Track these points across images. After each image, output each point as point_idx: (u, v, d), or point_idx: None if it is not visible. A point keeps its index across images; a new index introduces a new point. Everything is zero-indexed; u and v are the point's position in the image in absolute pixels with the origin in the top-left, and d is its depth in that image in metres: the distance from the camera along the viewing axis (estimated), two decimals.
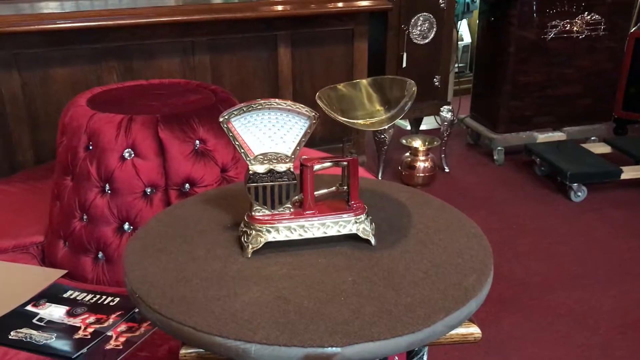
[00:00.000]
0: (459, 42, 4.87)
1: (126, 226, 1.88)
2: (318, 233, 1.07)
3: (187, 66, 3.05)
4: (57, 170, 2.00)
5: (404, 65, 3.47)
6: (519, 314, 2.45)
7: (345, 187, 1.09)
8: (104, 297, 1.73)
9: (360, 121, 0.99)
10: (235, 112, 1.00)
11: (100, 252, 1.90)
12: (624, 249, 2.93)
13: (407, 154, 3.59)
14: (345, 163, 1.07)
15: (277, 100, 1.01)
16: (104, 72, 2.94)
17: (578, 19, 3.73)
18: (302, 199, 1.07)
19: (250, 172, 1.04)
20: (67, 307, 1.69)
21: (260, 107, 1.01)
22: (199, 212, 1.24)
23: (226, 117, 1.00)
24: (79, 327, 1.58)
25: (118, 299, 1.71)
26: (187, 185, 1.89)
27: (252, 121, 1.01)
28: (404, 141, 3.58)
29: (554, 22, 3.69)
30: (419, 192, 1.31)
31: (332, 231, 1.07)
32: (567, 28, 3.72)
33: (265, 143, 1.03)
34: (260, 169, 1.04)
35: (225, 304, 0.93)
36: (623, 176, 3.42)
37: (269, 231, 1.05)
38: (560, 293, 2.59)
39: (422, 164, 3.53)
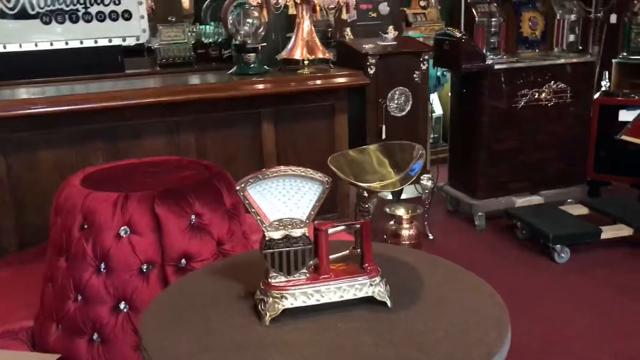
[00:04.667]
0: (432, 114, 5.04)
1: (122, 305, 1.84)
2: (335, 297, 1.07)
3: (172, 145, 3.09)
4: (50, 251, 1.97)
5: (384, 136, 3.57)
6: None
7: (359, 250, 1.11)
8: None
9: (375, 184, 1.02)
10: (251, 180, 1.02)
11: (95, 333, 1.85)
12: (612, 308, 2.95)
13: (392, 222, 3.62)
14: (358, 226, 1.09)
15: (291, 167, 1.04)
16: (89, 154, 2.95)
17: (545, 88, 3.90)
18: (317, 264, 1.08)
19: (267, 238, 1.05)
20: None
21: (275, 174, 1.03)
22: (208, 284, 1.23)
23: (243, 185, 1.02)
24: None
25: None
26: (183, 261, 1.88)
27: (267, 188, 1.04)
28: (387, 210, 3.62)
29: (523, 92, 3.86)
30: (425, 254, 1.33)
31: (349, 295, 1.08)
32: (536, 96, 3.89)
33: (280, 209, 1.05)
34: (276, 235, 1.06)
35: None
36: (603, 236, 3.50)
37: (285, 297, 1.06)
38: (557, 357, 2.58)
39: (406, 231, 3.56)
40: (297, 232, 1.06)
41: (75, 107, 2.83)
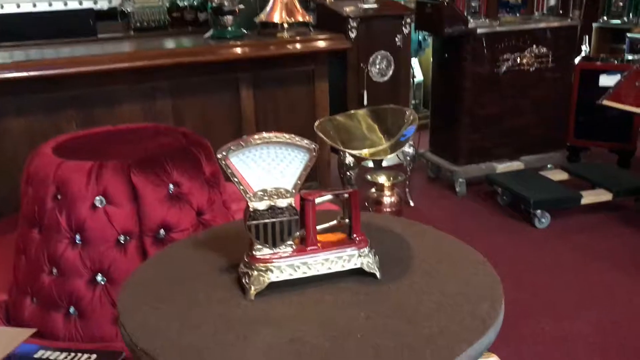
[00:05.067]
0: (413, 79, 4.97)
1: (99, 278, 1.79)
2: (322, 269, 1.03)
3: (148, 112, 3.00)
4: (22, 222, 1.90)
5: (365, 102, 3.51)
6: (498, 342, 2.44)
7: (347, 220, 1.06)
8: (79, 354, 1.63)
9: (365, 151, 0.97)
10: (233, 148, 0.96)
11: (72, 307, 1.80)
12: (592, 273, 2.98)
13: (373, 190, 3.59)
14: (346, 195, 1.04)
15: (275, 134, 0.98)
16: (62, 122, 2.86)
17: (527, 52, 3.86)
18: (303, 235, 1.03)
19: (251, 209, 1.00)
20: None
21: (259, 141, 0.97)
22: (188, 257, 1.18)
23: (224, 153, 0.96)
24: None
25: (95, 355, 1.61)
26: (162, 231, 1.82)
27: (250, 157, 0.98)
28: (369, 177, 3.59)
29: (504, 56, 3.81)
30: (412, 223, 1.29)
31: (337, 266, 1.03)
32: (518, 61, 3.85)
33: (264, 179, 0.99)
34: (260, 205, 1.00)
35: (240, 350, 0.88)
36: (583, 201, 3.51)
37: (271, 271, 1.01)
38: (538, 319, 2.60)
39: (388, 199, 3.53)
40: (282, 203, 1.01)
41: (46, 73, 2.72)
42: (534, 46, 3.88)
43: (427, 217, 3.68)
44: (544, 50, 3.90)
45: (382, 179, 3.55)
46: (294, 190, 1.01)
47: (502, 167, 3.98)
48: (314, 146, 0.99)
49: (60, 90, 2.81)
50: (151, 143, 1.98)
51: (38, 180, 1.82)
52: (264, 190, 1.00)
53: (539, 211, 3.45)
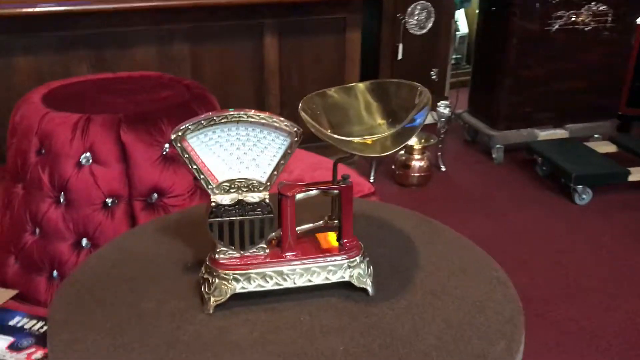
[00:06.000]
0: (456, 33, 4.63)
1: (84, 242, 1.64)
2: (301, 281, 0.83)
3: (164, 57, 2.80)
4: (7, 175, 1.75)
5: (400, 57, 3.24)
6: None
7: (336, 221, 0.86)
8: None
9: (355, 139, 0.75)
10: (191, 127, 0.76)
11: (55, 271, 1.66)
12: (633, 258, 2.72)
13: (402, 152, 3.36)
14: (336, 192, 0.84)
15: (248, 111, 0.77)
16: (72, 63, 2.69)
17: (584, 10, 3.50)
18: (279, 237, 0.84)
19: (213, 204, 0.80)
20: (12, 339, 1.45)
21: (225, 120, 0.77)
22: (155, 245, 1.00)
23: (180, 133, 0.76)
24: None
25: None
26: (154, 196, 1.65)
27: (215, 139, 0.78)
28: None
29: (558, 13, 3.46)
30: (427, 220, 1.08)
31: (319, 279, 0.84)
32: (573, 19, 3.50)
33: (232, 167, 0.79)
34: (226, 199, 0.81)
35: None
36: (631, 178, 3.22)
37: (236, 279, 0.82)
38: (567, 308, 2.38)
39: (417, 163, 3.30)
40: (254, 197, 0.81)
41: (56, 9, 2.53)
42: (593, 3, 3.51)
43: (459, 185, 3.44)
44: (603, 7, 3.52)
45: (412, 141, 3.30)
46: (269, 183, 0.81)
47: (544, 134, 3.69)
48: (296, 129, 0.78)
49: (71, 29, 2.63)
50: (149, 96, 1.79)
51: (22, 131, 1.66)
52: (231, 182, 0.80)
53: (580, 187, 3.17)
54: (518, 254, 2.75)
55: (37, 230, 1.65)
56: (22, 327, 1.51)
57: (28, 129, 1.64)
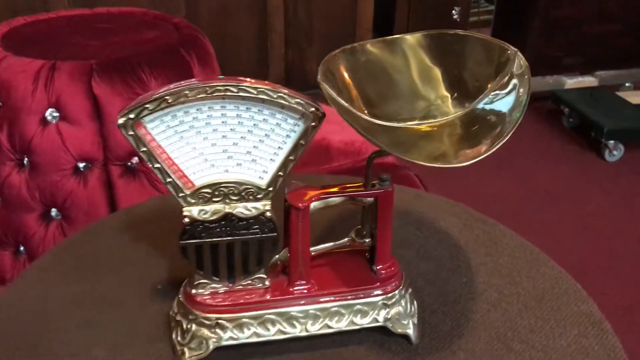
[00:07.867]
0: None
1: (54, 212, 1.39)
2: (315, 327, 0.58)
3: None
4: None
5: None
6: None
7: (368, 240, 0.60)
8: None
9: (405, 125, 0.48)
10: (150, 107, 0.49)
11: (21, 246, 1.42)
12: None
13: None
14: (370, 199, 0.57)
15: (242, 81, 0.49)
16: None
17: None
18: (286, 262, 0.58)
19: (187, 219, 0.54)
20: None
21: (203, 94, 0.49)
22: (118, 253, 0.74)
23: (132, 115, 0.49)
24: None
25: None
26: (135, 159, 1.39)
27: (189, 122, 0.50)
28: None
29: None
30: (481, 219, 0.81)
31: (342, 323, 0.58)
32: None
33: (216, 164, 0.53)
34: (206, 213, 0.54)
35: None
36: None
37: (222, 327, 0.56)
38: (600, 280, 2.15)
39: None
40: (248, 209, 0.54)
41: None
42: None
43: None
44: None
45: None
46: (271, 189, 0.54)
47: (572, 82, 3.38)
48: (313, 109, 0.51)
49: None
50: (128, 37, 1.49)
51: None
52: (215, 186, 0.53)
53: (612, 142, 2.89)
54: (544, 216, 2.51)
55: None
56: None
57: None
